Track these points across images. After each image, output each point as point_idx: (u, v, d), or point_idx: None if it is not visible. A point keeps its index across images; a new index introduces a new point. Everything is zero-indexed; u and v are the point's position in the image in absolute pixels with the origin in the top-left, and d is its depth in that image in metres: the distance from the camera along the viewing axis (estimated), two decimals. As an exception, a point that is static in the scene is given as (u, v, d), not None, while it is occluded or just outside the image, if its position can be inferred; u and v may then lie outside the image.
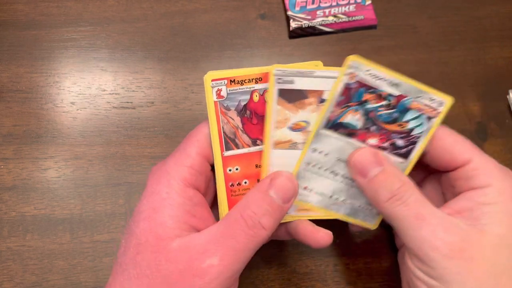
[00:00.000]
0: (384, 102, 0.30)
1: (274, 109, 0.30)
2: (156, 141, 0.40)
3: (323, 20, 0.43)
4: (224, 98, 0.30)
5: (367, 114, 0.30)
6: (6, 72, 0.41)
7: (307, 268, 0.37)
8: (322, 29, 0.43)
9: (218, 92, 0.30)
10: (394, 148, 0.31)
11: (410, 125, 0.30)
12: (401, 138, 0.31)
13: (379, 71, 0.30)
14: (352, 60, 0.29)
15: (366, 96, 0.30)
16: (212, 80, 0.30)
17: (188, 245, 0.27)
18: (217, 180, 0.31)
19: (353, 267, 0.37)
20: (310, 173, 0.31)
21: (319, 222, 0.32)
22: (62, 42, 0.42)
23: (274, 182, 0.28)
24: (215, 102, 0.30)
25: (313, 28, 0.43)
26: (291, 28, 0.43)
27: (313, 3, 0.43)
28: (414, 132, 0.31)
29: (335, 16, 0.43)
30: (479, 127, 0.41)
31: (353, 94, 0.30)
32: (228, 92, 0.30)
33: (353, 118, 0.30)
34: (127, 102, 0.41)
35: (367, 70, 0.30)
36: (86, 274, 0.36)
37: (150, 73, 0.41)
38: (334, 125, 0.30)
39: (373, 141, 0.31)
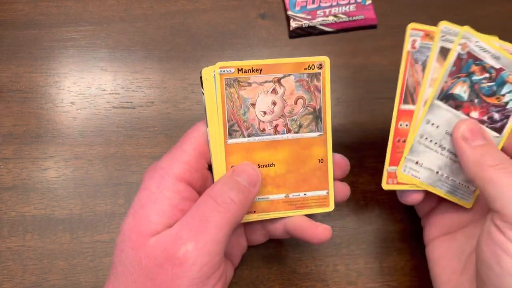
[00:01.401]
0: (486, 75, 0.31)
1: (433, 66, 0.31)
2: (156, 141, 0.40)
3: (323, 20, 0.43)
4: (415, 50, 0.31)
5: (472, 86, 0.31)
6: (6, 72, 0.41)
7: (307, 268, 0.37)
8: (322, 29, 0.43)
9: (413, 42, 0.31)
10: (491, 122, 0.32)
11: (506, 98, 0.31)
12: (498, 111, 0.32)
13: (485, 43, 0.31)
14: (466, 30, 0.30)
15: (473, 68, 0.31)
16: (412, 29, 0.31)
17: (163, 238, 0.26)
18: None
19: (353, 267, 0.37)
20: (423, 146, 0.32)
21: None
22: (62, 42, 0.42)
23: (236, 169, 0.29)
24: (408, 51, 0.31)
25: (313, 28, 0.43)
26: (291, 28, 0.43)
27: (313, 3, 0.43)
28: (509, 106, 0.31)
29: (335, 16, 0.43)
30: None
31: (463, 65, 0.31)
32: (421, 45, 0.31)
33: (461, 89, 0.31)
34: (127, 102, 0.41)
35: (476, 42, 0.31)
36: (86, 274, 0.36)
37: (150, 73, 0.41)
38: (446, 96, 0.31)
39: (475, 114, 0.31)
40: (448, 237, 0.34)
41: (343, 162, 0.33)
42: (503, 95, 0.31)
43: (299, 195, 0.32)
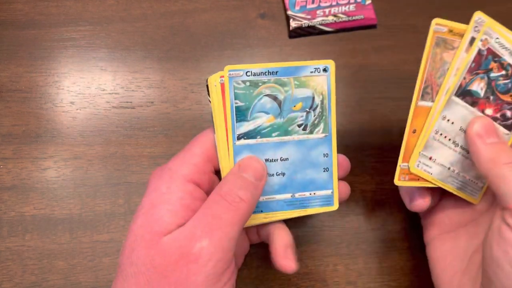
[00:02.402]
0: (503, 72, 0.31)
1: (461, 56, 0.31)
2: (156, 141, 0.40)
3: (323, 20, 0.43)
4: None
5: (489, 82, 0.31)
6: (6, 72, 0.41)
7: (307, 268, 0.37)
8: (322, 29, 0.43)
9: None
10: (503, 119, 0.32)
11: None
12: (510, 109, 0.32)
13: (505, 40, 0.31)
14: (487, 26, 0.30)
15: (492, 65, 0.31)
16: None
17: (177, 236, 0.27)
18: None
19: (353, 267, 0.37)
20: (437, 142, 0.32)
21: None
22: (61, 42, 0.42)
23: (242, 165, 0.30)
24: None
25: (313, 27, 0.43)
26: (291, 28, 0.43)
27: (313, 2, 0.43)
28: None
29: (335, 15, 0.43)
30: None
31: (483, 61, 0.31)
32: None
33: (479, 86, 0.31)
34: (127, 102, 0.41)
35: (497, 38, 0.31)
36: (85, 274, 0.36)
37: (150, 73, 0.41)
38: (463, 93, 0.31)
39: (489, 111, 0.31)
40: (449, 236, 0.34)
41: (346, 162, 0.33)
42: None
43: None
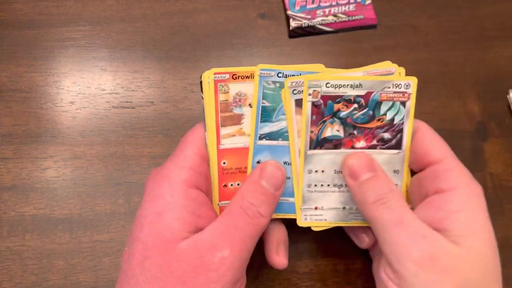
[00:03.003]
0: (355, 105, 0.30)
1: (294, 120, 0.31)
2: (156, 141, 0.40)
3: (323, 20, 0.43)
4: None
5: (344, 122, 0.30)
6: (6, 72, 0.41)
7: (307, 268, 0.37)
8: (322, 29, 0.43)
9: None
10: (384, 143, 0.31)
11: (389, 116, 0.31)
12: (386, 131, 0.31)
13: (338, 81, 0.30)
14: (309, 80, 0.30)
15: (336, 107, 0.30)
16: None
17: (196, 243, 0.27)
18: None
19: (353, 267, 0.37)
20: (316, 193, 0.31)
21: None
22: (61, 42, 0.42)
23: (264, 171, 0.29)
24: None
25: (313, 27, 0.43)
26: (291, 28, 0.43)
27: (313, 2, 0.43)
28: (396, 121, 0.31)
29: (335, 15, 0.43)
30: (479, 127, 0.41)
31: (323, 109, 0.30)
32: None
33: (333, 130, 0.31)
34: (127, 102, 0.41)
35: (327, 83, 0.30)
36: (85, 274, 0.36)
37: (150, 73, 0.41)
38: (318, 143, 0.31)
39: (360, 144, 0.31)
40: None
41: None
42: (384, 114, 0.31)
43: None
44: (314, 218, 0.32)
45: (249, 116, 0.31)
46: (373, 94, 0.30)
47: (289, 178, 0.31)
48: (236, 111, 0.30)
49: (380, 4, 0.44)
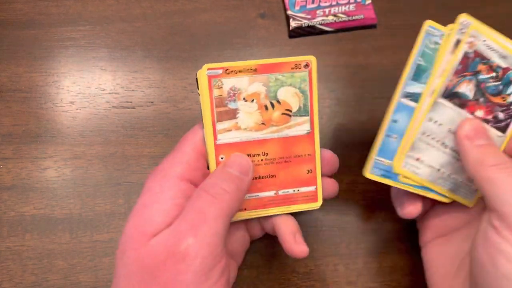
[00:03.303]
0: (493, 74, 0.31)
1: (446, 58, 0.30)
2: (156, 141, 0.39)
3: (323, 20, 0.43)
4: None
5: (478, 85, 0.31)
6: (5, 72, 0.41)
7: (307, 268, 0.37)
8: (322, 29, 0.43)
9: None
10: (496, 121, 0.31)
11: (511, 98, 0.31)
12: (502, 111, 0.31)
13: (493, 42, 0.30)
14: (473, 28, 0.30)
15: (480, 67, 0.31)
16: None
17: (164, 236, 0.27)
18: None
19: (353, 267, 0.37)
20: (424, 143, 0.31)
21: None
22: (61, 42, 0.42)
23: (227, 161, 0.30)
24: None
25: (313, 27, 0.43)
26: (290, 28, 0.43)
27: (313, 2, 0.43)
28: None
29: (335, 15, 0.43)
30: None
31: (470, 63, 0.30)
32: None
33: (467, 88, 0.31)
34: (127, 102, 0.41)
35: (484, 41, 0.30)
36: (85, 274, 0.36)
37: (150, 73, 0.41)
38: (450, 95, 0.31)
39: (480, 113, 0.31)
40: (443, 239, 0.34)
41: (332, 158, 0.33)
42: (509, 94, 0.31)
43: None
44: (411, 169, 0.32)
45: (244, 110, 0.31)
46: (510, 71, 0.31)
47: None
48: (231, 105, 0.30)
49: (380, 4, 0.44)
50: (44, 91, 0.40)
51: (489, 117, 0.31)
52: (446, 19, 0.45)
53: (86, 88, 0.41)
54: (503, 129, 0.32)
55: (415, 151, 0.31)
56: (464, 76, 0.31)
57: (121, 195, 0.38)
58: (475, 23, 0.30)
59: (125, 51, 0.42)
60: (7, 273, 0.36)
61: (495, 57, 0.31)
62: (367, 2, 0.44)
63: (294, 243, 0.31)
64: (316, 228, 0.38)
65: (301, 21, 0.43)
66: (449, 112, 0.31)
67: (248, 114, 0.31)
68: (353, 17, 0.43)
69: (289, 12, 0.43)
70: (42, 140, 0.39)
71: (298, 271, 0.37)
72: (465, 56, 0.30)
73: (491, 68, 0.31)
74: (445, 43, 0.30)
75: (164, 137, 0.40)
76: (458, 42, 0.30)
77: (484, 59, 0.30)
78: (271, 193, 0.32)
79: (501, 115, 0.31)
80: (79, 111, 0.40)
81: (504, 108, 0.31)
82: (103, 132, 0.40)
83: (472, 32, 0.30)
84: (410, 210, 0.33)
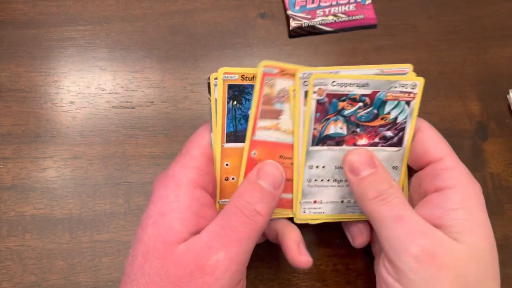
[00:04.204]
0: (360, 104, 0.30)
1: (302, 111, 0.30)
2: (156, 141, 0.39)
3: (323, 20, 0.43)
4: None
5: (348, 119, 0.30)
6: (5, 71, 0.41)
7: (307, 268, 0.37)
8: (322, 29, 0.43)
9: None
10: (385, 140, 0.31)
11: (392, 115, 0.31)
12: (389, 129, 0.31)
13: (345, 79, 0.30)
14: (315, 78, 0.29)
15: (341, 104, 0.30)
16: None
17: (193, 246, 0.27)
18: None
19: (353, 267, 0.37)
20: (315, 187, 0.31)
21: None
22: (61, 41, 0.42)
23: (261, 171, 0.29)
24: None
25: (313, 27, 0.43)
26: (291, 28, 0.43)
27: (313, 2, 0.43)
28: (399, 120, 0.31)
29: (335, 15, 0.43)
30: (479, 127, 0.41)
31: (328, 107, 0.30)
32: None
33: (336, 127, 0.31)
34: (127, 102, 0.41)
35: (333, 82, 0.30)
36: (85, 274, 0.36)
37: (150, 73, 0.41)
38: (321, 140, 0.31)
39: (362, 141, 0.31)
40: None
41: None
42: (389, 113, 0.31)
43: None
44: (313, 211, 0.32)
45: (289, 113, 0.31)
46: (378, 93, 0.30)
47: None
48: (277, 106, 0.30)
49: (380, 4, 0.44)
50: (44, 91, 0.40)
51: (376, 140, 0.31)
52: (446, 19, 0.45)
53: (86, 88, 0.41)
54: (398, 144, 0.31)
55: (309, 196, 0.32)
56: (328, 119, 0.30)
57: (121, 195, 0.38)
58: (315, 73, 0.30)
59: (125, 51, 0.42)
60: (7, 273, 0.36)
61: (355, 89, 0.30)
62: (367, 2, 0.44)
63: (298, 254, 0.31)
64: (316, 228, 0.38)
65: (301, 21, 0.43)
66: (328, 153, 0.31)
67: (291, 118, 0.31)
68: (353, 17, 0.43)
69: (289, 12, 0.43)
70: (42, 140, 0.39)
71: (298, 271, 0.37)
72: (319, 103, 0.30)
73: (355, 100, 0.30)
74: (294, 101, 0.30)
75: (164, 137, 0.40)
76: (306, 94, 0.30)
77: (342, 97, 0.30)
78: (290, 196, 0.32)
79: (388, 133, 0.31)
80: (79, 111, 0.40)
81: (390, 126, 0.31)
82: (103, 132, 0.39)
83: (315, 82, 0.30)
84: (361, 240, 0.33)
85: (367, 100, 0.30)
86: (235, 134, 0.31)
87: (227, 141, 0.31)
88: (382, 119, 0.31)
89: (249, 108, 0.30)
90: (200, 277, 0.26)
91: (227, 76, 0.30)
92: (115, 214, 0.37)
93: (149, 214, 0.28)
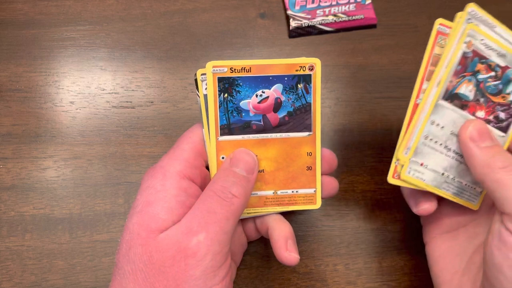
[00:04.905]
0: (492, 73, 0.30)
1: (453, 49, 0.30)
2: (156, 141, 0.39)
3: (323, 20, 0.43)
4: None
5: (478, 84, 0.30)
6: (5, 71, 0.41)
7: (307, 268, 0.37)
8: (322, 29, 0.43)
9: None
10: (497, 122, 0.31)
11: (511, 97, 0.31)
12: (503, 110, 0.31)
13: (491, 41, 0.30)
14: (470, 28, 0.30)
15: (479, 66, 0.30)
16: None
17: (173, 232, 0.27)
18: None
19: (353, 267, 0.37)
20: (427, 147, 0.31)
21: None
22: (61, 41, 0.42)
23: (233, 159, 0.30)
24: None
25: (313, 27, 0.43)
26: (291, 28, 0.43)
27: (313, 2, 0.43)
28: None
29: (335, 15, 0.43)
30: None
31: (469, 63, 0.30)
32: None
33: (467, 89, 0.30)
34: (127, 102, 0.41)
35: (482, 40, 0.30)
36: (85, 274, 0.36)
37: (150, 73, 0.41)
38: (451, 96, 0.30)
39: (481, 114, 0.31)
40: (449, 235, 0.34)
41: (331, 156, 0.33)
42: (509, 93, 0.31)
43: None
44: (416, 175, 0.31)
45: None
46: (509, 70, 0.30)
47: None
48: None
49: (380, 4, 0.44)
50: (44, 91, 0.40)
51: (490, 117, 0.31)
52: (446, 19, 0.45)
53: (86, 88, 0.41)
54: (504, 129, 0.31)
55: (419, 156, 0.31)
56: (464, 76, 0.30)
57: (121, 195, 0.38)
58: (471, 24, 0.30)
59: (125, 51, 0.42)
60: (6, 273, 0.36)
61: (494, 56, 0.30)
62: (367, 2, 0.44)
63: (285, 250, 0.30)
64: (316, 228, 0.38)
65: (301, 21, 0.43)
66: (451, 114, 0.31)
67: None
68: (353, 17, 0.43)
69: (289, 12, 0.43)
70: (42, 140, 0.39)
71: (298, 271, 0.37)
72: (464, 56, 0.30)
73: (490, 67, 0.30)
74: (452, 33, 0.30)
75: (164, 137, 0.40)
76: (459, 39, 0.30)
77: (482, 59, 0.30)
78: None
79: (502, 115, 0.31)
80: (79, 111, 0.40)
81: (505, 107, 0.31)
82: (103, 132, 0.39)
83: (470, 32, 0.30)
84: (426, 207, 0.32)
85: (500, 72, 0.30)
86: (229, 127, 0.31)
87: (221, 134, 0.31)
88: (502, 97, 0.31)
89: (240, 100, 0.31)
90: (183, 259, 0.26)
91: (216, 70, 0.30)
92: (115, 214, 0.37)
93: (136, 203, 0.29)
